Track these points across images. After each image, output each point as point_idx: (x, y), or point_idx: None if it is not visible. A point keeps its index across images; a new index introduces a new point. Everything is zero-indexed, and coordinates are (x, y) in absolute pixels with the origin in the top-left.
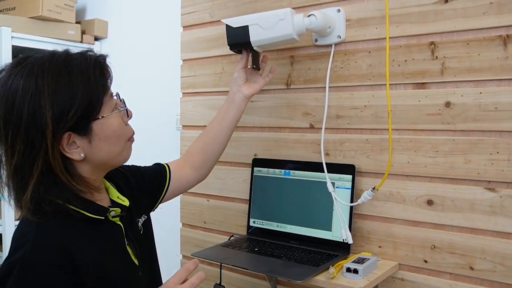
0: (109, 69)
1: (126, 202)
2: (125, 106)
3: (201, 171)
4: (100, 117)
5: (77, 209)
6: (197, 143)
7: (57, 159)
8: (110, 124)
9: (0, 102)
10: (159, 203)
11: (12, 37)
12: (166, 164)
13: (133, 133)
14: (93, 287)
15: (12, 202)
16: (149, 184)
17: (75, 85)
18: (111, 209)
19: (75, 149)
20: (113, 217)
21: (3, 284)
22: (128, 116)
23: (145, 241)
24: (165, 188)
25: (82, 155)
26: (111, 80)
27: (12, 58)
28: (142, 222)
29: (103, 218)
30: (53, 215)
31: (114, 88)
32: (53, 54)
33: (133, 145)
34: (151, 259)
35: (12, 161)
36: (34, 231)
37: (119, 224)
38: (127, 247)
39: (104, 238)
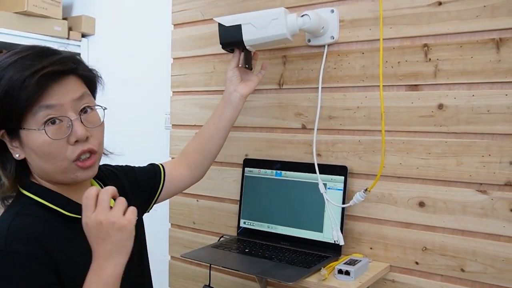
0: (46, 82)
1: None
2: (74, 124)
3: (196, 172)
4: (23, 128)
5: (49, 205)
6: (193, 143)
7: None
8: (34, 138)
9: None
10: (154, 204)
11: None
12: (161, 164)
13: (81, 154)
14: (73, 285)
15: None
16: (143, 185)
17: (1, 85)
18: None
19: (15, 147)
20: None
21: None
22: (71, 136)
23: (134, 243)
24: (159, 188)
25: (18, 155)
26: (43, 94)
27: None
28: None
29: (80, 216)
30: (17, 204)
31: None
32: (21, 50)
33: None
34: (140, 261)
35: None
36: (8, 222)
37: None
38: None
39: (83, 236)
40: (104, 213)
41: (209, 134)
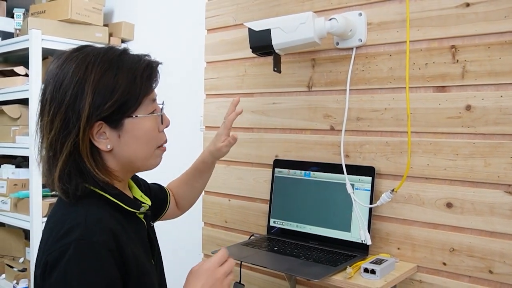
0: (158, 75)
1: (148, 201)
2: (163, 114)
3: (183, 205)
4: (134, 116)
5: (112, 199)
6: (178, 180)
7: (86, 143)
8: (142, 125)
9: (52, 80)
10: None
11: (42, 39)
12: (167, 188)
13: (165, 142)
14: (133, 281)
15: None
16: (153, 201)
17: (119, 80)
18: (142, 204)
19: (104, 139)
20: (139, 213)
21: (54, 267)
22: (163, 124)
23: (157, 244)
24: (164, 211)
25: (109, 146)
26: (156, 85)
27: (42, 60)
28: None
29: (136, 211)
30: (86, 199)
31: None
32: (110, 48)
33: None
34: (161, 262)
35: (49, 136)
36: (84, 214)
37: (143, 222)
38: (149, 243)
39: (136, 232)
40: (225, 274)
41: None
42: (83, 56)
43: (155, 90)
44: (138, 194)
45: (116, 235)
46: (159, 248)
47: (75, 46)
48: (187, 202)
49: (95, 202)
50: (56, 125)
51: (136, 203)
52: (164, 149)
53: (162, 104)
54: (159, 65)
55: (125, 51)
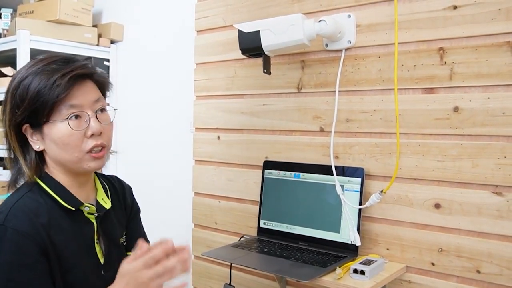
0: (75, 81)
1: (107, 205)
2: (91, 120)
3: None
4: (49, 121)
5: (53, 195)
6: None
7: (14, 142)
8: (57, 130)
9: (14, 79)
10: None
11: (30, 40)
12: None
13: (94, 147)
14: (55, 271)
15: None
16: (132, 210)
17: (32, 86)
18: (85, 204)
19: (36, 140)
20: (88, 213)
21: None
22: (89, 130)
23: (121, 251)
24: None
25: (38, 147)
26: (70, 93)
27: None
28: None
29: (74, 209)
30: (26, 188)
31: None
32: (49, 57)
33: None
34: (119, 265)
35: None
36: (14, 201)
37: (92, 222)
38: (96, 244)
39: (73, 229)
40: (151, 278)
41: None
42: (24, 65)
43: (82, 96)
44: (100, 196)
45: (39, 224)
46: (119, 257)
47: (63, 47)
48: None
49: (33, 193)
50: (2, 118)
51: (76, 201)
52: (97, 156)
53: (101, 111)
54: (82, 72)
55: (60, 59)
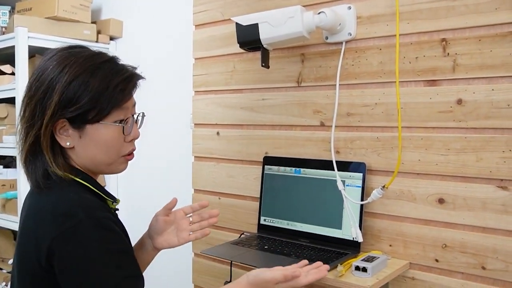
0: (133, 89)
1: (118, 201)
2: (133, 125)
3: None
4: (98, 122)
5: (92, 188)
6: None
7: (47, 137)
8: (105, 132)
9: (36, 71)
10: None
11: (28, 37)
12: None
13: (131, 152)
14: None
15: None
16: None
17: (90, 87)
18: (117, 198)
19: (66, 136)
20: (113, 209)
21: (64, 251)
22: (131, 135)
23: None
24: None
25: (69, 144)
26: (129, 98)
27: (29, 58)
28: None
29: (112, 203)
30: (65, 185)
31: None
32: (96, 54)
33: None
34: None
35: (22, 122)
36: (78, 197)
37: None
38: None
39: (117, 220)
40: None
41: None
42: (66, 56)
43: (132, 101)
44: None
45: (109, 212)
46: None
47: (65, 45)
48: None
49: (79, 188)
50: (26, 114)
51: (113, 196)
52: (130, 158)
53: (139, 115)
54: (139, 80)
55: (111, 59)
